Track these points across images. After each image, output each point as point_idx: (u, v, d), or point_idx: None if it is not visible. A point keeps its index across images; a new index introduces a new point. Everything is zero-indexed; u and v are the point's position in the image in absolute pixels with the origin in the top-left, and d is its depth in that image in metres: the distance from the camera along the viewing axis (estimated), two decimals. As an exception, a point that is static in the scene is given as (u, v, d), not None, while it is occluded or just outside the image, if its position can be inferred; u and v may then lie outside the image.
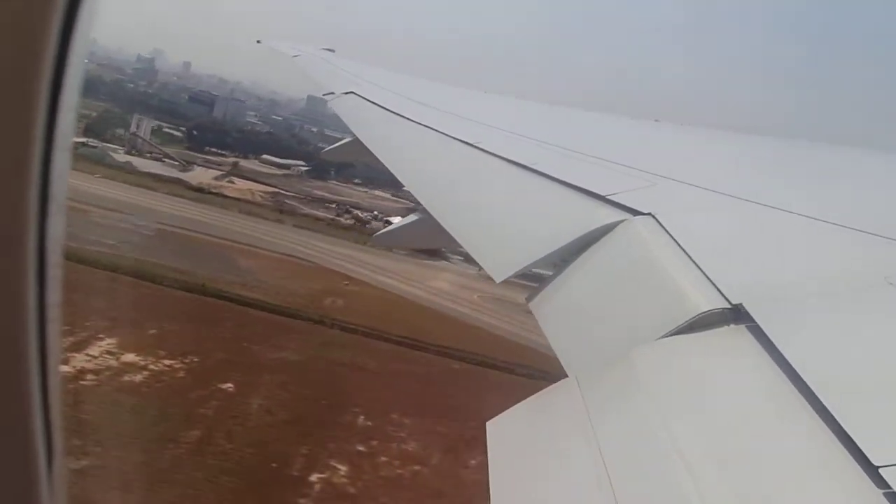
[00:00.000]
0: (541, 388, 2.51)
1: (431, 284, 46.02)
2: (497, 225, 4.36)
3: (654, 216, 3.30)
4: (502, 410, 2.47)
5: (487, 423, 2.44)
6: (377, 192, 69.50)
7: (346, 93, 9.14)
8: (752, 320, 2.24)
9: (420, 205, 5.05)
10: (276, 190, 66.56)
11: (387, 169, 6.07)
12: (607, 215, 3.44)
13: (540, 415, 2.47)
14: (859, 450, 1.63)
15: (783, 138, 6.69)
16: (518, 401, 2.48)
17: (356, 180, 72.85)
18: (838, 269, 2.74)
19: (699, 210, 3.55)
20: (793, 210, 3.25)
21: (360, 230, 54.61)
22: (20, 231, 1.34)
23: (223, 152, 75.96)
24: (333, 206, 64.60)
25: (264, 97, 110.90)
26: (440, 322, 40.15)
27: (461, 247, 4.09)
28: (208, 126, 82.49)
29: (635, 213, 3.39)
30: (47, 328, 1.44)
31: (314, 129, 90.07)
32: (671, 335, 2.38)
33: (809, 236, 3.04)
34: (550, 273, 3.38)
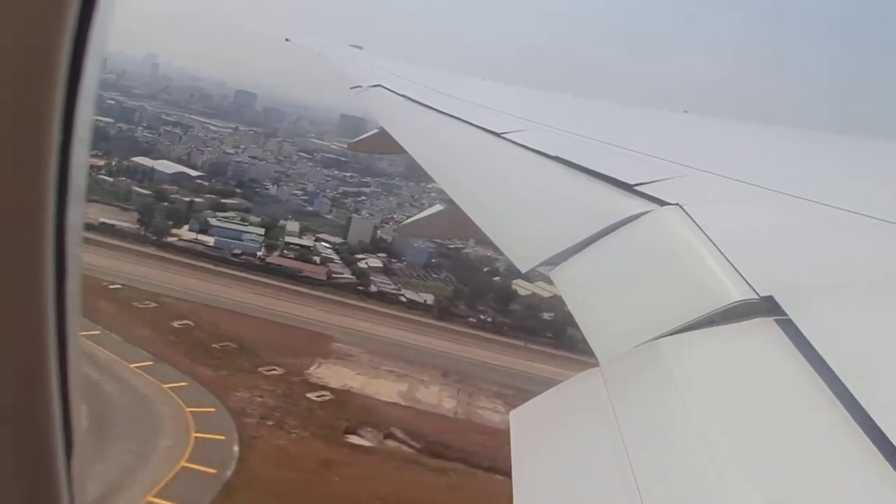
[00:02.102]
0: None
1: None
2: (522, 215, 4.35)
3: (681, 207, 3.27)
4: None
5: (511, 413, 2.44)
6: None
7: (373, 86, 9.18)
8: (782, 312, 2.21)
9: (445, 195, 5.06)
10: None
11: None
12: (635, 205, 3.42)
13: (564, 404, 2.46)
14: (892, 445, 1.60)
15: (813, 130, 6.58)
16: None
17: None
18: (870, 260, 2.69)
19: (728, 201, 3.51)
20: (824, 201, 3.20)
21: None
22: (39, 223, 1.33)
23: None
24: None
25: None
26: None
27: (486, 236, 4.09)
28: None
29: (663, 203, 3.36)
30: (67, 319, 1.44)
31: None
32: (698, 326, 2.36)
33: (841, 228, 2.99)
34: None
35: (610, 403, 2.18)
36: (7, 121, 1.27)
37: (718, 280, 2.55)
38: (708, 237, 2.90)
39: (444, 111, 6.98)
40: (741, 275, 2.49)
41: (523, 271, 3.46)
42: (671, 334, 2.38)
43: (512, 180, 5.04)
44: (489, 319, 50.55)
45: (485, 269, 56.96)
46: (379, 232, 61.84)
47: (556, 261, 3.39)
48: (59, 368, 1.44)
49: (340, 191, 70.65)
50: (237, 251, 56.14)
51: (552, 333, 49.12)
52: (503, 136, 5.50)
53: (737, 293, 2.39)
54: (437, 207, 6.06)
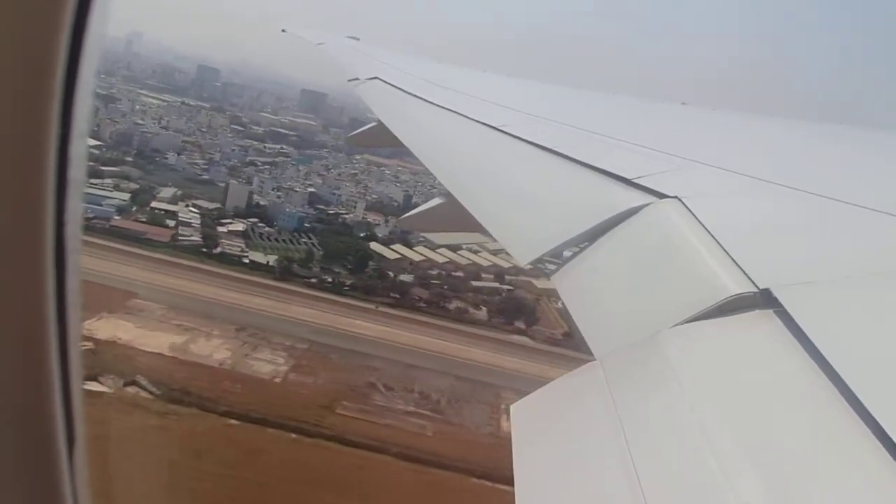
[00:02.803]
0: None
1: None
2: (521, 208, 4.35)
3: (680, 199, 3.27)
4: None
5: (512, 406, 2.44)
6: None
7: (371, 78, 9.16)
8: (780, 305, 2.21)
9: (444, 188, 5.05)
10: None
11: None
12: (633, 198, 3.42)
13: (564, 398, 2.47)
14: (890, 439, 1.60)
15: (813, 122, 6.57)
16: None
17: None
18: (869, 253, 2.69)
19: (727, 194, 3.51)
20: (823, 194, 3.20)
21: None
22: (38, 218, 1.33)
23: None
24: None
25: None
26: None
27: (485, 229, 4.09)
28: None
29: (661, 196, 3.36)
30: (67, 314, 1.43)
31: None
32: (697, 319, 2.36)
33: (840, 220, 2.99)
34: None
35: (611, 396, 2.19)
36: (6, 114, 1.26)
37: (717, 273, 2.55)
38: (707, 230, 2.90)
39: (442, 104, 6.97)
40: (740, 267, 2.50)
41: (522, 265, 3.46)
42: (670, 327, 2.38)
43: (510, 174, 5.04)
44: (333, 280, 49.65)
45: (361, 235, 56.49)
46: (256, 197, 60.16)
47: (554, 254, 3.40)
48: (60, 364, 1.43)
49: (248, 160, 69.28)
50: (90, 215, 55.43)
51: (398, 294, 48.50)
52: (501, 129, 5.49)
53: (736, 286, 2.40)
54: (437, 201, 6.05)
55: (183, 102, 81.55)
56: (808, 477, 1.66)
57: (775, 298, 2.25)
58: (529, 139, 5.02)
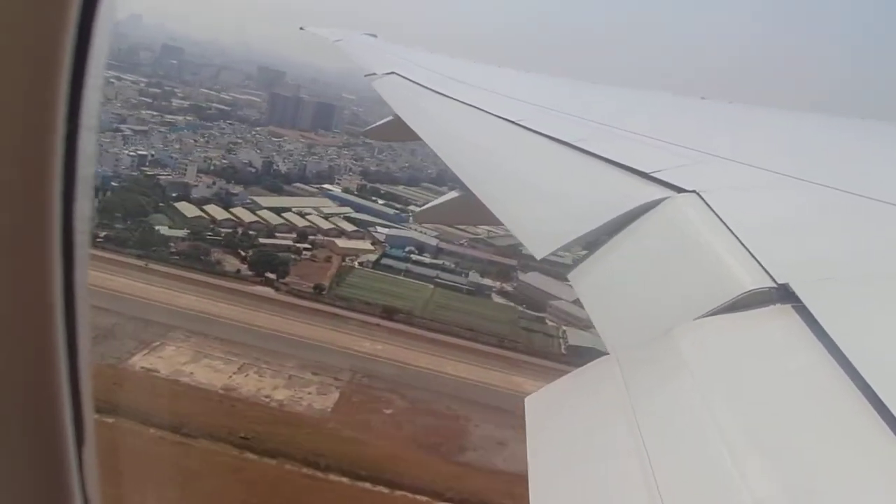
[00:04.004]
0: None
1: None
2: (538, 202, 4.35)
3: (698, 194, 3.25)
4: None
5: (526, 399, 2.44)
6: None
7: (388, 73, 9.17)
8: (798, 300, 2.20)
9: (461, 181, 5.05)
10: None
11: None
12: (651, 192, 3.40)
13: (579, 391, 2.47)
14: None
15: (832, 115, 6.50)
16: None
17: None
18: (890, 249, 2.67)
19: (745, 188, 3.48)
20: (842, 188, 3.17)
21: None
22: (45, 212, 1.30)
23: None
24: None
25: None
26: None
27: (501, 223, 4.09)
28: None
29: (680, 190, 3.34)
30: (76, 311, 1.41)
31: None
32: (714, 314, 2.35)
33: (859, 215, 2.96)
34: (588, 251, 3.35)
35: (626, 390, 2.18)
36: (12, 108, 1.24)
37: (735, 268, 2.53)
38: (725, 225, 2.88)
39: (459, 99, 6.97)
40: (759, 262, 2.48)
41: (539, 258, 3.46)
42: (687, 322, 2.37)
43: (527, 168, 5.03)
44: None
45: (173, 195, 57.48)
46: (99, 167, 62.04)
47: (571, 248, 3.39)
48: (68, 360, 1.42)
49: (114, 126, 68.87)
50: None
51: (156, 248, 49.17)
52: (518, 123, 5.48)
53: (753, 281, 2.38)
54: (453, 194, 6.05)
55: (117, 77, 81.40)
56: (823, 471, 1.66)
57: (794, 294, 2.23)
58: (546, 133, 5.01)
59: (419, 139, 6.59)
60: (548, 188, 4.53)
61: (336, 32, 13.84)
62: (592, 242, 3.34)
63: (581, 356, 45.07)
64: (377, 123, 9.66)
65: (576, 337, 46.83)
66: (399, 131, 7.76)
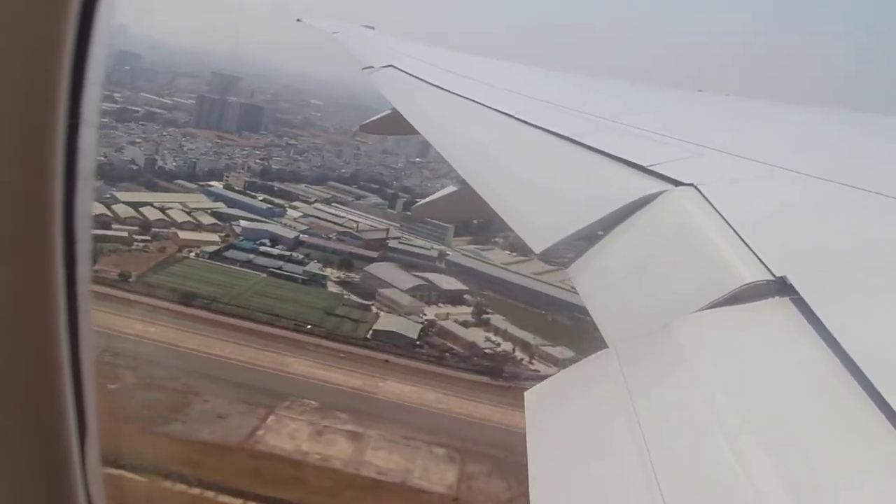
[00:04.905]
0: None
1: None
2: (536, 196, 4.34)
3: (696, 187, 3.25)
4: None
5: (526, 393, 2.45)
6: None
7: (385, 66, 9.14)
8: (796, 293, 2.20)
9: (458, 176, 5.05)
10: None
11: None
12: (648, 186, 3.40)
13: (578, 385, 2.47)
14: None
15: (831, 108, 6.50)
16: None
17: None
18: (886, 241, 2.67)
19: (743, 181, 3.48)
20: (840, 181, 3.16)
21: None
22: (46, 209, 1.30)
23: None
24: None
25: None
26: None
27: (499, 218, 4.08)
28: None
29: (677, 183, 3.34)
30: (78, 308, 1.41)
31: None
32: (712, 307, 2.35)
33: (857, 208, 2.96)
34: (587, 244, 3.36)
35: (624, 383, 2.18)
36: (12, 105, 1.23)
37: (733, 261, 2.53)
38: (723, 218, 2.88)
39: (457, 92, 6.95)
40: (757, 255, 2.48)
41: (537, 252, 3.46)
42: (686, 315, 2.37)
43: (525, 161, 5.02)
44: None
45: None
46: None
47: (569, 241, 3.39)
48: (70, 356, 1.41)
49: None
50: None
51: None
52: (516, 116, 5.47)
53: (752, 274, 2.38)
54: (451, 189, 6.04)
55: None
56: (822, 464, 1.66)
57: (792, 287, 2.23)
58: (544, 126, 5.00)
59: (417, 133, 6.57)
60: (545, 182, 4.52)
61: (334, 24, 13.78)
62: (590, 236, 3.34)
63: (384, 340, 46.44)
64: (375, 117, 9.63)
65: (387, 323, 48.77)
66: (396, 125, 7.74)
